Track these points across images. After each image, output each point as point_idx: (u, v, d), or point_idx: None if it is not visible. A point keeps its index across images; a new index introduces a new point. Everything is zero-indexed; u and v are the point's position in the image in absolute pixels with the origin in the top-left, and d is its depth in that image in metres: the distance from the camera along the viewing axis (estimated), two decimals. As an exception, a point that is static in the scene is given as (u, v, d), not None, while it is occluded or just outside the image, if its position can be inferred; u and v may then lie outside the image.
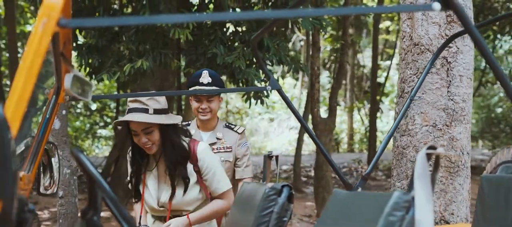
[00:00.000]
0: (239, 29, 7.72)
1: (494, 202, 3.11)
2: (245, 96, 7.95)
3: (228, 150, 4.55)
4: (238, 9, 7.91)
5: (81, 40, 8.35)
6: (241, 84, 7.54)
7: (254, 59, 7.40)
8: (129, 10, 8.32)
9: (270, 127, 26.20)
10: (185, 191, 3.69)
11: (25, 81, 1.68)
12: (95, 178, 2.18)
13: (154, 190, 3.74)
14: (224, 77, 7.88)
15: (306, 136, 13.16)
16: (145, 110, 3.53)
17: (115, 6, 8.48)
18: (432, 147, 2.16)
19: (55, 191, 3.21)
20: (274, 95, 28.26)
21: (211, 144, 4.43)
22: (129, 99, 3.63)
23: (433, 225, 1.98)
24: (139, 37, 7.34)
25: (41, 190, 3.23)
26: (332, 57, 11.90)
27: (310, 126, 10.36)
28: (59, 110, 6.02)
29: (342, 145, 26.95)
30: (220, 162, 3.88)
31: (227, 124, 4.70)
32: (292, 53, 12.25)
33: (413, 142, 4.63)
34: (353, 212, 2.27)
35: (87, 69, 7.90)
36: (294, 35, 19.77)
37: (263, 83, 7.35)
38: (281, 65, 7.94)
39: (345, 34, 10.29)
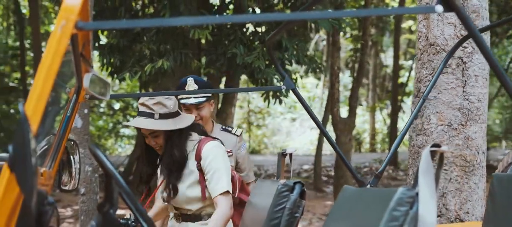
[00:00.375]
0: (259, 29, 7.82)
1: (505, 201, 3.15)
2: (264, 96, 8.04)
3: (229, 153, 4.32)
4: (258, 10, 8.00)
5: (103, 40, 8.49)
6: (260, 84, 7.64)
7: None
8: (151, 10, 8.44)
9: (292, 126, 26.29)
10: (174, 193, 3.61)
11: (45, 81, 1.78)
12: (111, 173, 2.29)
13: (162, 187, 3.76)
14: (243, 77, 7.97)
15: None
16: (151, 115, 3.51)
17: (138, 6, 8.62)
18: (436, 145, 2.23)
19: (75, 187, 3.31)
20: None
21: None
22: (138, 102, 3.63)
23: (436, 220, 2.04)
24: (160, 37, 7.47)
25: (62, 186, 3.34)
26: (353, 57, 11.93)
27: (331, 125, 10.42)
28: (81, 109, 6.15)
29: (364, 144, 26.92)
30: (227, 164, 3.64)
31: (224, 127, 4.53)
32: (311, 53, 12.28)
33: (428, 141, 4.67)
34: (360, 208, 2.34)
35: (109, 68, 8.06)
36: (316, 35, 19.81)
37: (281, 83, 7.43)
38: (300, 65, 8.02)
39: (365, 34, 10.33)
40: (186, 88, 4.16)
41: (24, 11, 20.17)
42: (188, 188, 3.62)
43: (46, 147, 3.17)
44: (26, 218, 1.93)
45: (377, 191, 2.29)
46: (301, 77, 8.87)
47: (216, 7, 8.27)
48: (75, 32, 1.87)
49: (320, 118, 11.38)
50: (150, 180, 3.81)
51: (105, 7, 7.80)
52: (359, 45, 11.20)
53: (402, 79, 22.54)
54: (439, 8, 2.02)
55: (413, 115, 4.24)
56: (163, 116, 3.51)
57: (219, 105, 9.28)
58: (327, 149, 17.09)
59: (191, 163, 3.62)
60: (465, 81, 4.57)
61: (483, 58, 4.57)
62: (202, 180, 3.60)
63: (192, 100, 4.14)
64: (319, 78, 25.54)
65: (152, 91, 10.01)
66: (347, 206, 2.47)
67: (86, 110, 6.24)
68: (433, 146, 2.22)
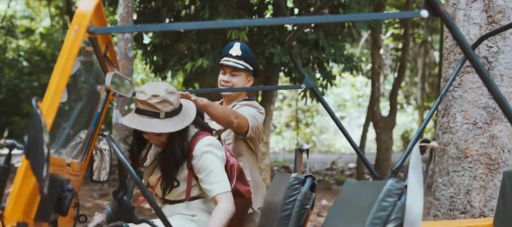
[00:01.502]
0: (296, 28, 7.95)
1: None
2: (302, 94, 8.20)
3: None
4: (296, 10, 8.15)
5: (147, 39, 8.77)
6: (297, 82, 7.79)
7: (312, 58, 7.63)
8: (192, 11, 8.67)
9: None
10: (170, 190, 3.42)
11: (59, 80, 2.00)
12: (124, 163, 2.53)
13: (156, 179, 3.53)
14: (281, 75, 8.12)
15: (370, 134, 13.25)
16: (156, 115, 3.20)
17: (182, 3, 8.83)
18: (426, 140, 2.37)
19: (105, 178, 3.52)
20: (346, 94, 28.34)
21: None
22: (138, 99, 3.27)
23: (422, 210, 2.19)
24: (201, 37, 7.68)
25: (94, 177, 3.57)
26: (394, 57, 11.97)
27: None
28: (122, 106, 6.44)
29: (413, 144, 26.64)
30: (220, 160, 3.37)
31: (246, 99, 4.35)
32: (352, 52, 12.35)
33: (454, 139, 4.73)
34: (357, 199, 2.51)
35: (152, 67, 8.32)
36: (365, 35, 19.82)
37: (315, 82, 7.57)
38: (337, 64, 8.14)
39: (406, 33, 10.37)
40: (230, 51, 4.13)
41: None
42: (180, 194, 3.42)
43: (78, 140, 3.42)
44: (45, 202, 2.17)
45: (375, 184, 2.44)
46: (339, 75, 8.95)
47: (255, 8, 8.43)
48: (87, 36, 2.08)
49: (364, 116, 11.50)
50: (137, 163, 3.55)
51: (149, 7, 8.07)
52: (400, 44, 11.25)
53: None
54: (425, 13, 2.16)
55: (430, 113, 4.33)
56: (169, 115, 3.24)
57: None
58: (372, 147, 17.10)
59: (184, 165, 3.37)
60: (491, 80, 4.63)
61: (509, 58, 4.65)
62: (189, 180, 3.38)
63: (231, 63, 4.11)
64: (369, 77, 25.50)
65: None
66: (347, 198, 2.64)
67: (126, 107, 6.52)
68: (422, 141, 2.37)
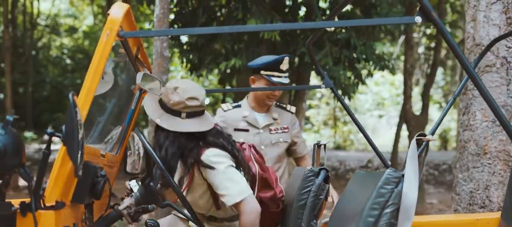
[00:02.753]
0: (328, 29, 8.15)
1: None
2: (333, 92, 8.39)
3: (286, 130, 4.35)
4: (328, 11, 8.35)
5: (184, 39, 9.08)
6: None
7: (343, 57, 7.83)
8: (226, 11, 8.93)
9: (378, 123, 26.35)
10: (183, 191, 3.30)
11: (93, 79, 2.30)
12: (150, 153, 2.84)
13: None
14: (313, 74, 8.33)
15: (403, 132, 13.36)
16: (179, 115, 3.18)
17: (217, 4, 9.11)
18: (422, 134, 2.60)
19: (138, 171, 3.73)
20: (385, 92, 28.31)
21: (268, 125, 4.33)
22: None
23: (416, 197, 2.42)
24: (235, 37, 7.94)
25: (128, 169, 3.80)
26: (427, 56, 12.07)
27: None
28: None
29: (451, 143, 26.56)
30: (226, 168, 3.13)
31: (278, 104, 4.44)
32: (385, 51, 12.47)
33: (473, 136, 4.88)
34: (361, 188, 2.74)
35: (188, 65, 8.62)
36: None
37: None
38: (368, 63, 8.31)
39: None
40: (281, 66, 4.15)
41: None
42: (201, 196, 3.34)
43: (114, 135, 3.70)
44: (80, 185, 2.47)
45: (375, 174, 2.67)
46: (371, 75, 9.11)
47: (288, 8, 8.65)
48: (118, 39, 2.38)
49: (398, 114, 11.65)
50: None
51: (185, 8, 8.38)
52: (433, 44, 11.36)
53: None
54: (419, 19, 2.39)
55: (444, 112, 4.50)
56: (161, 104, 3.26)
57: (291, 100, 9.77)
58: (406, 145, 17.14)
59: (196, 171, 3.26)
60: (510, 80, 4.77)
61: (528, 58, 4.79)
62: (210, 188, 3.24)
63: (283, 80, 4.19)
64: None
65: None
66: (354, 187, 2.88)
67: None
68: (419, 135, 2.60)
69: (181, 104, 3.13)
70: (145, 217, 6.93)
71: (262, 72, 4.19)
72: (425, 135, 2.56)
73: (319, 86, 4.23)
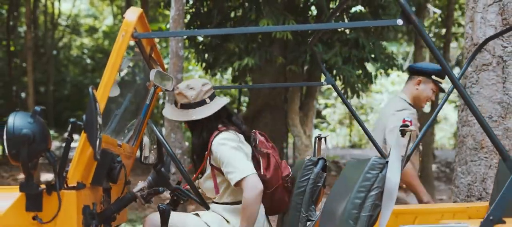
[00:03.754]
0: (339, 29, 8.42)
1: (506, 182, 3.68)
2: (343, 91, 8.67)
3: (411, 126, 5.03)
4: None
5: (200, 39, 9.40)
6: (339, 80, 8.28)
7: (351, 57, 8.10)
8: (240, 12, 9.23)
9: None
10: (197, 176, 3.70)
11: (109, 75, 2.62)
12: (161, 141, 3.17)
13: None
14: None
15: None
16: (175, 104, 3.65)
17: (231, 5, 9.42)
18: (405, 125, 2.88)
19: (151, 161, 3.99)
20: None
21: None
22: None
23: (398, 181, 2.70)
24: (248, 37, 8.25)
25: (143, 159, 4.09)
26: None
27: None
28: (172, 99, 7.08)
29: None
30: (237, 150, 3.50)
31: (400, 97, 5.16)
32: (401, 50, 12.67)
33: (471, 131, 5.13)
34: (351, 174, 3.04)
35: (203, 64, 8.96)
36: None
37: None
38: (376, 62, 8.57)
39: (448, 33, 10.71)
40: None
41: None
42: (206, 180, 3.64)
43: (130, 127, 4.01)
44: (99, 169, 2.79)
45: (363, 161, 2.95)
46: (380, 74, 9.34)
47: (299, 8, 8.94)
48: (132, 40, 2.69)
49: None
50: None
51: (200, 9, 8.72)
52: (441, 44, 11.59)
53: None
54: (400, 21, 2.67)
55: (438, 109, 4.75)
56: (183, 106, 3.60)
57: (303, 98, 10.09)
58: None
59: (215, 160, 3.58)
60: (505, 78, 5.01)
61: (524, 56, 5.02)
62: (213, 175, 3.58)
63: (445, 87, 4.97)
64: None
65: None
66: (346, 173, 3.18)
67: (177, 101, 7.15)
68: (402, 126, 2.88)
69: (200, 93, 3.58)
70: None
71: (433, 77, 4.96)
72: (408, 126, 2.84)
73: (321, 83, 4.51)
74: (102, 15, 28.43)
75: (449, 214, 3.91)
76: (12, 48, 20.07)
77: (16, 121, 2.45)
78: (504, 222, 2.68)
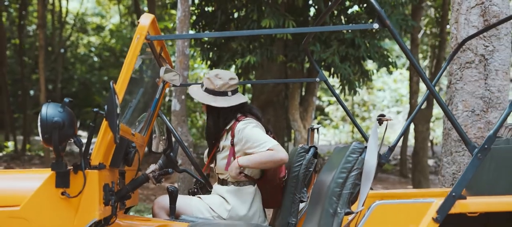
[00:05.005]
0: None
1: (479, 169, 4.08)
2: (340, 87, 9.10)
3: None
4: (335, 12, 9.03)
5: (205, 39, 9.82)
6: (336, 77, 8.70)
7: (348, 55, 8.52)
8: (243, 13, 9.64)
9: (396, 119, 26.78)
10: (210, 160, 4.15)
11: (126, 71, 3.07)
12: (170, 129, 3.61)
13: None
14: (325, 72, 9.03)
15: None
16: (201, 86, 4.08)
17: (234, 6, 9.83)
18: (382, 115, 3.32)
19: (159, 150, 4.38)
20: (403, 89, 28.78)
21: None
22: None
23: (375, 164, 3.13)
24: (250, 36, 8.67)
25: (153, 148, 4.50)
26: (431, 53, 12.74)
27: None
28: (179, 96, 7.53)
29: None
30: (261, 129, 3.98)
31: None
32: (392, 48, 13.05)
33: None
34: (335, 158, 3.48)
35: (208, 62, 9.41)
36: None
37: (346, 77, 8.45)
38: (371, 61, 8.98)
39: (443, 32, 11.11)
40: None
41: (145, 9, 22.13)
42: (222, 159, 4.05)
43: (140, 120, 4.43)
44: (117, 152, 3.23)
45: (346, 146, 3.39)
46: (377, 71, 9.75)
47: (298, 9, 9.35)
48: (146, 41, 3.14)
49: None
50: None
51: (205, 10, 9.17)
52: (437, 42, 12.00)
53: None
54: (376, 25, 3.09)
55: (420, 104, 5.14)
56: (207, 91, 4.03)
57: (303, 94, 10.54)
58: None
59: (228, 138, 4.03)
60: (487, 74, 5.40)
61: (503, 56, 5.40)
62: (231, 154, 3.98)
63: None
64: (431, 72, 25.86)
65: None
66: (333, 157, 3.61)
67: (183, 97, 7.61)
68: (380, 115, 3.31)
69: (225, 85, 4.01)
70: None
71: None
72: (384, 115, 3.28)
73: (314, 80, 4.93)
74: (108, 14, 28.76)
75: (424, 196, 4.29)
76: (20, 44, 20.42)
77: (49, 110, 2.90)
78: (465, 198, 3.10)
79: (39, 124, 2.89)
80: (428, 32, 14.16)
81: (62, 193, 3.04)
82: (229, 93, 4.05)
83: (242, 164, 3.88)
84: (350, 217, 3.16)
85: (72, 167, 3.03)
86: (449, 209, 3.05)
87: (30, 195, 3.04)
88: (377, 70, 9.56)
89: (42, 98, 12.67)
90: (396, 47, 22.69)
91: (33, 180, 3.12)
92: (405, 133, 13.80)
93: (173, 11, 17.72)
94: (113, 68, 25.29)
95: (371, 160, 3.15)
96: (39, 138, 2.97)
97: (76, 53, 26.28)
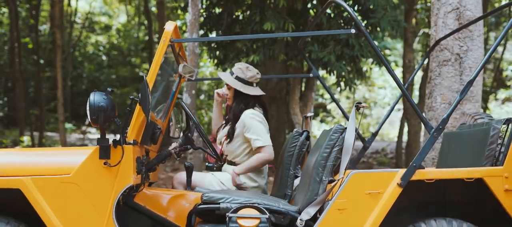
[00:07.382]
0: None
1: (445, 149, 4.79)
2: (336, 83, 9.84)
3: None
4: (332, 15, 9.75)
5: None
6: (332, 75, 9.44)
7: (343, 54, 9.25)
8: (247, 15, 10.35)
9: (395, 116, 27.34)
10: (229, 141, 4.83)
11: (155, 67, 3.87)
12: (188, 113, 4.40)
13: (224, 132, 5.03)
14: (319, 69, 9.76)
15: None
16: (232, 73, 4.83)
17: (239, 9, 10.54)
18: (359, 102, 4.08)
19: (176, 135, 5.11)
20: (404, 87, 29.33)
21: None
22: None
23: (353, 142, 3.89)
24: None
25: (170, 134, 5.20)
26: (423, 53, 13.43)
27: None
28: (189, 91, 8.34)
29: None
30: (263, 124, 4.73)
31: None
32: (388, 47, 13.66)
33: (435, 115, 6.16)
34: (321, 138, 4.26)
35: (215, 60, 10.19)
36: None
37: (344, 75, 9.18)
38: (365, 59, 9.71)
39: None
40: None
41: (152, 9, 22.77)
42: (233, 143, 4.83)
43: (161, 108, 5.18)
44: (147, 131, 4.01)
45: (333, 127, 4.16)
46: (371, 68, 10.45)
47: (298, 12, 10.06)
48: (170, 44, 3.93)
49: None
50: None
51: (212, 13, 9.94)
52: (429, 42, 12.68)
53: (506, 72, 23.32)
54: (353, 30, 3.86)
55: (398, 98, 5.83)
56: (237, 78, 4.80)
57: (302, 90, 11.32)
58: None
59: (240, 126, 4.77)
60: (462, 71, 6.05)
61: (477, 55, 6.06)
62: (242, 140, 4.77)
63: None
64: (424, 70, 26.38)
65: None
66: (320, 138, 4.39)
67: (193, 91, 8.40)
68: (358, 103, 4.08)
69: (253, 77, 4.83)
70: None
71: None
72: (361, 103, 4.04)
73: (308, 75, 5.69)
74: (115, 14, 29.06)
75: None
76: (30, 46, 21.02)
77: (95, 97, 3.68)
78: (423, 168, 3.85)
79: (88, 107, 3.68)
80: (420, 33, 14.89)
81: (105, 163, 3.81)
82: (254, 84, 4.85)
83: (239, 172, 4.70)
84: (332, 183, 3.94)
85: (112, 142, 3.82)
86: (410, 177, 3.78)
87: (78, 165, 3.83)
88: (371, 68, 10.23)
89: (59, 95, 13.40)
90: (398, 46, 23.34)
91: (79, 155, 3.91)
92: (401, 129, 14.63)
93: (179, 12, 18.39)
94: (121, 66, 25.78)
95: (349, 139, 3.92)
96: (52, 134, 3.76)
97: (85, 52, 26.58)
